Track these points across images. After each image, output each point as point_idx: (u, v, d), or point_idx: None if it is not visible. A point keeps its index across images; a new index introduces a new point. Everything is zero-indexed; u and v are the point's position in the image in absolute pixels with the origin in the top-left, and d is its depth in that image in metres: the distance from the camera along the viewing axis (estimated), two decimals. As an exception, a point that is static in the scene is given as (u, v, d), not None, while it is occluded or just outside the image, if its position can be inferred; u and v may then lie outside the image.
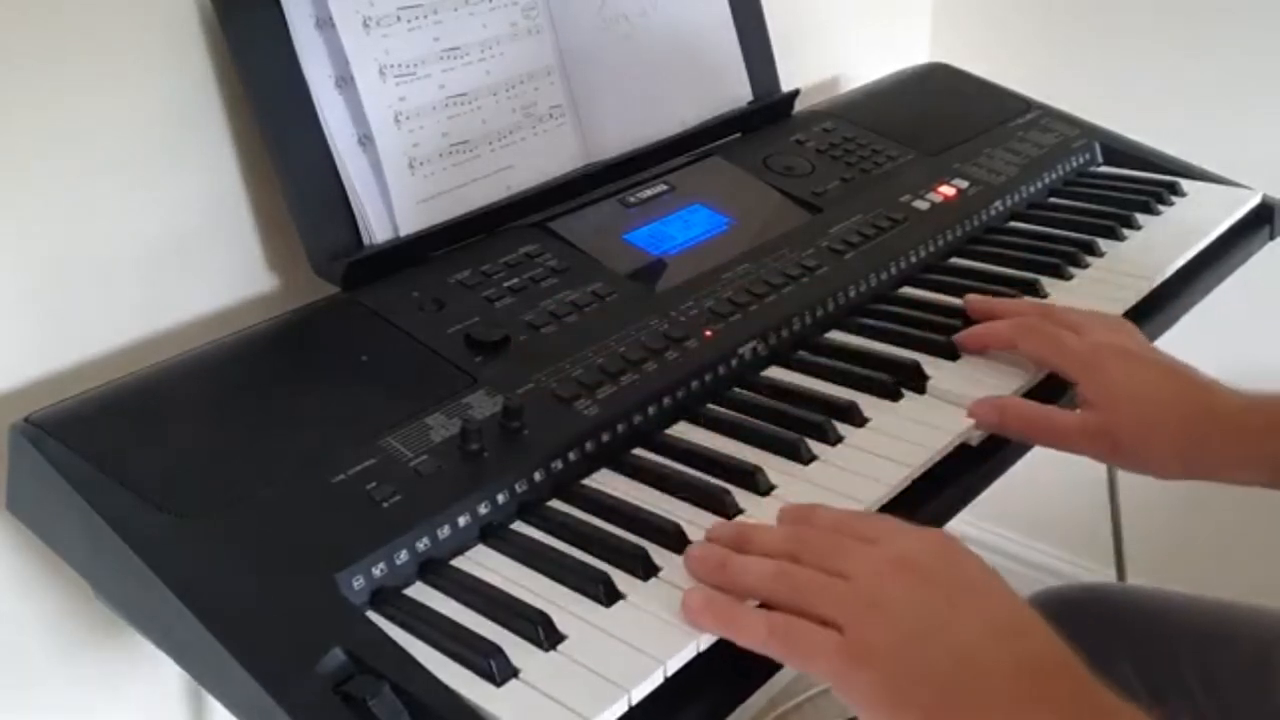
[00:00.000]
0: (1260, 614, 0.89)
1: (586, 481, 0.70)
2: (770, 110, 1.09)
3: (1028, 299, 0.88)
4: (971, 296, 0.85)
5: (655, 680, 0.55)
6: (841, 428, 0.73)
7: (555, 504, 0.68)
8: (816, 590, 0.56)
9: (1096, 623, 0.90)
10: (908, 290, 0.91)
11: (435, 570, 0.62)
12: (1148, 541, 1.40)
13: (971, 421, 0.73)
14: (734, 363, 0.79)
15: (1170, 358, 0.78)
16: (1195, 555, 1.48)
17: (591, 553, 0.63)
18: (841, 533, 0.59)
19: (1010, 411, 0.74)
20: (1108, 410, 0.73)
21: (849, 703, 0.55)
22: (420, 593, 0.61)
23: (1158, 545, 1.43)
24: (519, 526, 0.66)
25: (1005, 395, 0.76)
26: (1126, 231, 1.00)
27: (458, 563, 0.63)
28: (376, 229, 0.82)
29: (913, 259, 0.93)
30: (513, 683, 0.54)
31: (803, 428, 0.72)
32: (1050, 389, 0.79)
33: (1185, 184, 1.08)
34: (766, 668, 0.58)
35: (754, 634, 0.56)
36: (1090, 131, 1.16)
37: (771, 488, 0.68)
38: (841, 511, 0.63)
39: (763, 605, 0.58)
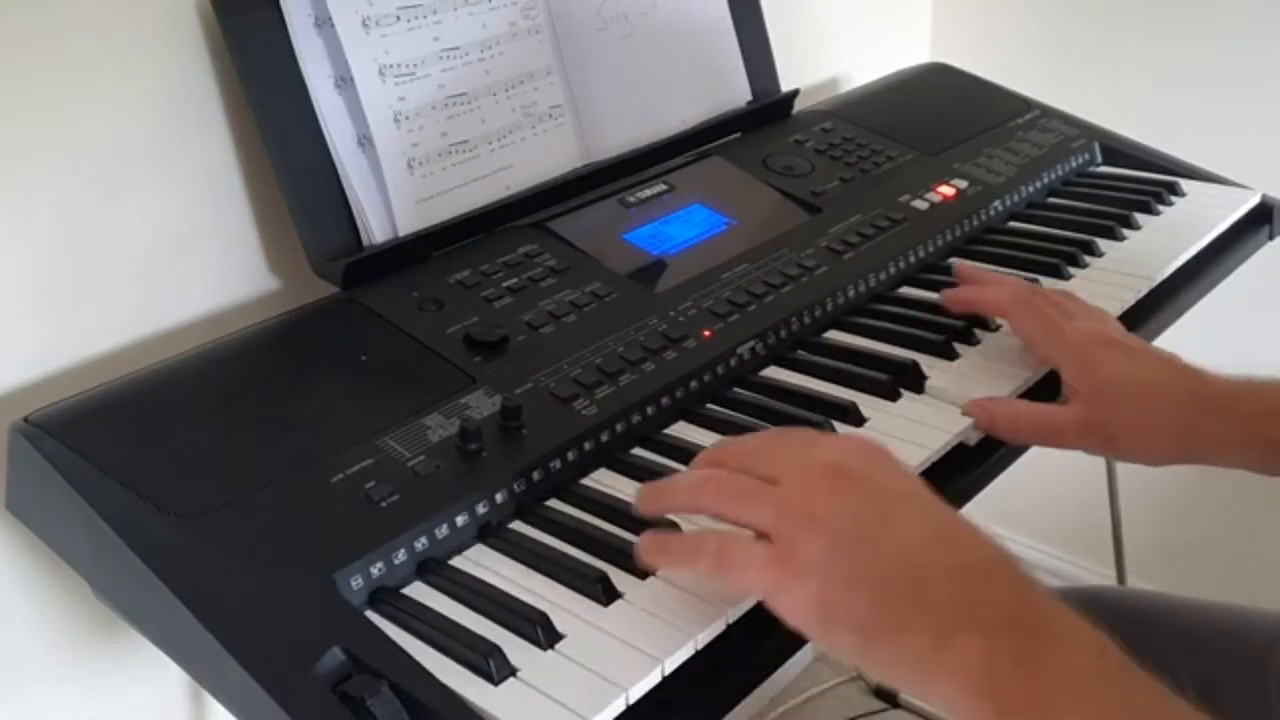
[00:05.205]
0: (1261, 617, 0.88)
1: (585, 481, 0.70)
2: (770, 110, 1.09)
3: (1015, 278, 0.87)
4: (958, 261, 0.84)
5: (653, 679, 0.55)
6: (840, 428, 0.73)
7: (554, 504, 0.68)
8: (746, 495, 0.55)
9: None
10: (907, 290, 0.91)
11: (434, 570, 0.62)
12: (1148, 544, 1.40)
13: (969, 420, 0.73)
14: (733, 363, 0.79)
15: (1151, 345, 0.77)
16: (1196, 558, 1.48)
17: (590, 552, 0.63)
18: (770, 442, 0.59)
19: (1000, 415, 0.73)
20: (1102, 403, 0.72)
21: (782, 617, 0.53)
22: (419, 592, 0.61)
23: (1158, 547, 1.42)
24: (517, 526, 0.66)
25: (997, 396, 0.76)
26: (1126, 231, 1.00)
27: (456, 562, 0.63)
28: (375, 229, 0.82)
29: (912, 259, 0.93)
30: (511, 682, 0.54)
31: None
32: (1049, 391, 0.78)
33: (1185, 184, 1.08)
34: (764, 667, 0.58)
35: (690, 556, 0.55)
36: (1090, 131, 1.16)
37: (770, 487, 0.68)
38: (766, 430, 0.63)
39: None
